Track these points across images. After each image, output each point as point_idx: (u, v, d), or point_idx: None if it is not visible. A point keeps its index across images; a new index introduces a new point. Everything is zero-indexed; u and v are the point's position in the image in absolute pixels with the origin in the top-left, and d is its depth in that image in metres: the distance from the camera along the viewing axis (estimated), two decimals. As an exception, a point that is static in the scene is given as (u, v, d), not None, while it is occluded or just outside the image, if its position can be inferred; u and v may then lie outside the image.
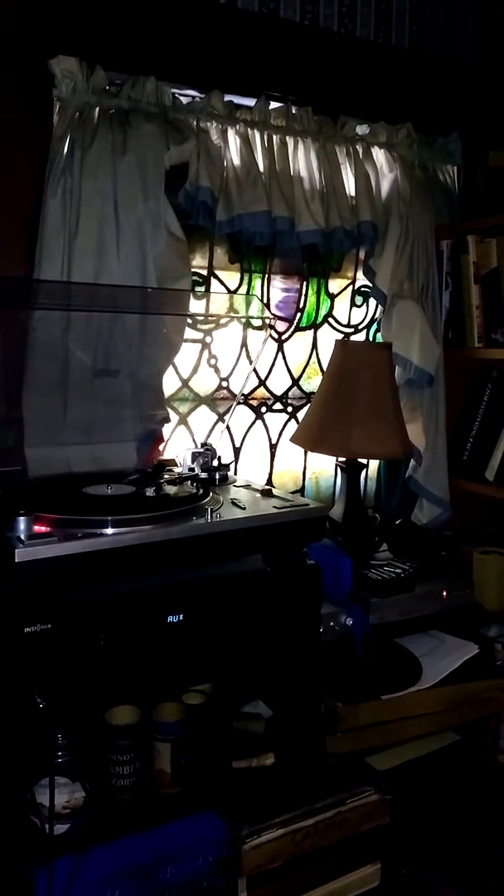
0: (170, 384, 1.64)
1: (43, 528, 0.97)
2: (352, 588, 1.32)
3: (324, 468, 1.93)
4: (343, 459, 1.45)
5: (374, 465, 1.98)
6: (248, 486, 1.30)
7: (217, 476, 1.33)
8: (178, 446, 1.60)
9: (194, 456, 1.38)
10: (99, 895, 1.03)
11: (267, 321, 1.64)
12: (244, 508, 1.14)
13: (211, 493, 1.19)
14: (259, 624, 1.14)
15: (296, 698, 1.26)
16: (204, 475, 1.32)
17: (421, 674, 1.33)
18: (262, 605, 1.13)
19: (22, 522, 0.95)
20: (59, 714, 0.96)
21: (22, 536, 0.93)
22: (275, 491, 1.26)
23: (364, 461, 1.50)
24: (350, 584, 1.31)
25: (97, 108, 1.38)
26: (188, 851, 1.11)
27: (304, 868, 1.20)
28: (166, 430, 1.57)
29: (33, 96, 1.36)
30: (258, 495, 1.24)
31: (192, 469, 1.35)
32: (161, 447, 1.54)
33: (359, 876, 1.27)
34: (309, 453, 1.87)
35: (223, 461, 1.40)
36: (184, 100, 1.50)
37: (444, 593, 1.45)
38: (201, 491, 1.19)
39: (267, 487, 1.27)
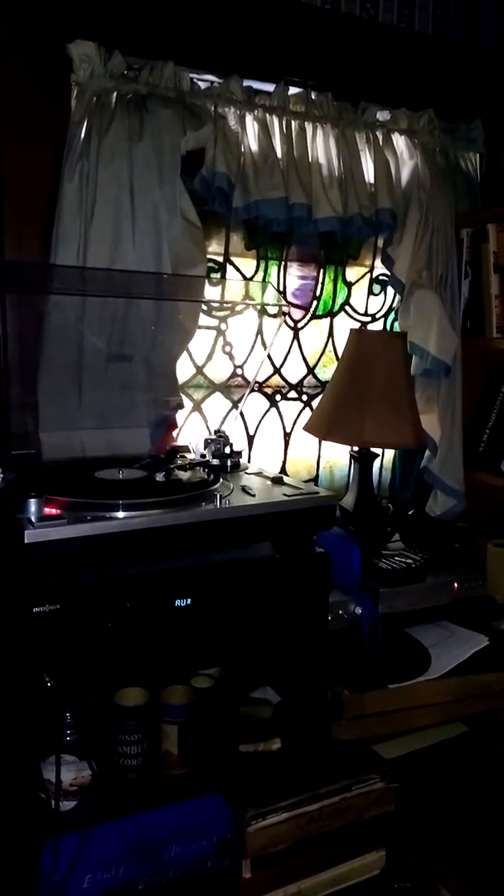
0: (185, 371, 1.64)
1: (53, 511, 0.98)
2: (361, 577, 1.32)
3: (338, 457, 1.93)
4: (356, 448, 1.44)
5: (389, 455, 1.97)
6: (259, 474, 1.31)
7: (229, 463, 1.33)
8: (192, 433, 1.60)
9: (206, 443, 1.38)
10: (104, 871, 1.05)
11: (281, 308, 1.63)
12: (254, 495, 1.15)
13: (221, 480, 1.20)
14: (267, 610, 1.14)
15: (303, 685, 1.26)
16: (216, 462, 1.32)
17: (429, 664, 1.32)
18: (270, 591, 1.14)
19: (33, 504, 0.96)
20: (67, 693, 0.98)
21: (32, 518, 0.95)
22: (286, 479, 1.26)
23: (377, 451, 1.50)
24: (359, 573, 1.31)
25: (115, 93, 1.38)
26: (193, 832, 1.12)
27: (309, 852, 1.21)
28: (180, 416, 1.58)
29: (51, 81, 1.36)
30: (269, 483, 1.24)
31: (203, 455, 1.36)
32: (175, 433, 1.55)
33: (363, 862, 1.28)
34: (324, 442, 1.86)
35: (236, 448, 1.40)
36: (202, 85, 1.50)
37: (456, 585, 1.44)
38: (211, 477, 1.19)
39: (278, 475, 1.27)
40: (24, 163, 1.36)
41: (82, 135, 1.35)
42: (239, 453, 1.39)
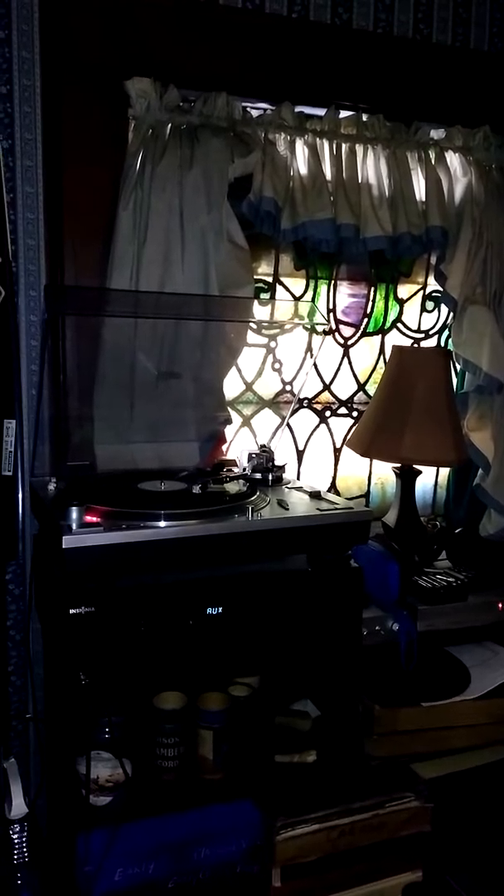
0: (235, 387, 1.69)
1: (93, 518, 1.04)
2: (399, 594, 1.32)
3: (389, 474, 1.92)
4: (398, 465, 1.45)
5: (444, 472, 1.95)
6: (299, 489, 1.33)
7: (270, 477, 1.36)
8: (241, 447, 1.65)
9: (249, 457, 1.42)
10: (135, 866, 1.09)
11: (327, 328, 1.65)
12: (287, 509, 1.18)
13: (258, 493, 1.23)
14: (299, 623, 1.16)
15: (336, 698, 1.27)
16: (257, 475, 1.36)
17: (468, 684, 1.31)
18: (303, 604, 1.16)
19: (74, 512, 1.03)
20: (101, 691, 1.03)
21: (73, 525, 1.01)
22: (324, 493, 1.28)
23: (420, 467, 1.49)
24: (397, 589, 1.32)
25: (169, 125, 1.45)
26: (223, 835, 1.15)
27: (342, 866, 1.21)
28: (230, 431, 1.62)
29: (110, 115, 1.44)
30: (307, 497, 1.27)
31: (244, 469, 1.40)
32: (224, 447, 1.60)
33: (399, 881, 1.27)
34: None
35: (280, 463, 1.43)
36: (254, 112, 1.55)
37: (500, 605, 1.42)
38: (248, 490, 1.23)
39: (317, 490, 1.29)
40: (84, 193, 1.44)
41: (137, 165, 1.42)
42: (281, 468, 1.42)
